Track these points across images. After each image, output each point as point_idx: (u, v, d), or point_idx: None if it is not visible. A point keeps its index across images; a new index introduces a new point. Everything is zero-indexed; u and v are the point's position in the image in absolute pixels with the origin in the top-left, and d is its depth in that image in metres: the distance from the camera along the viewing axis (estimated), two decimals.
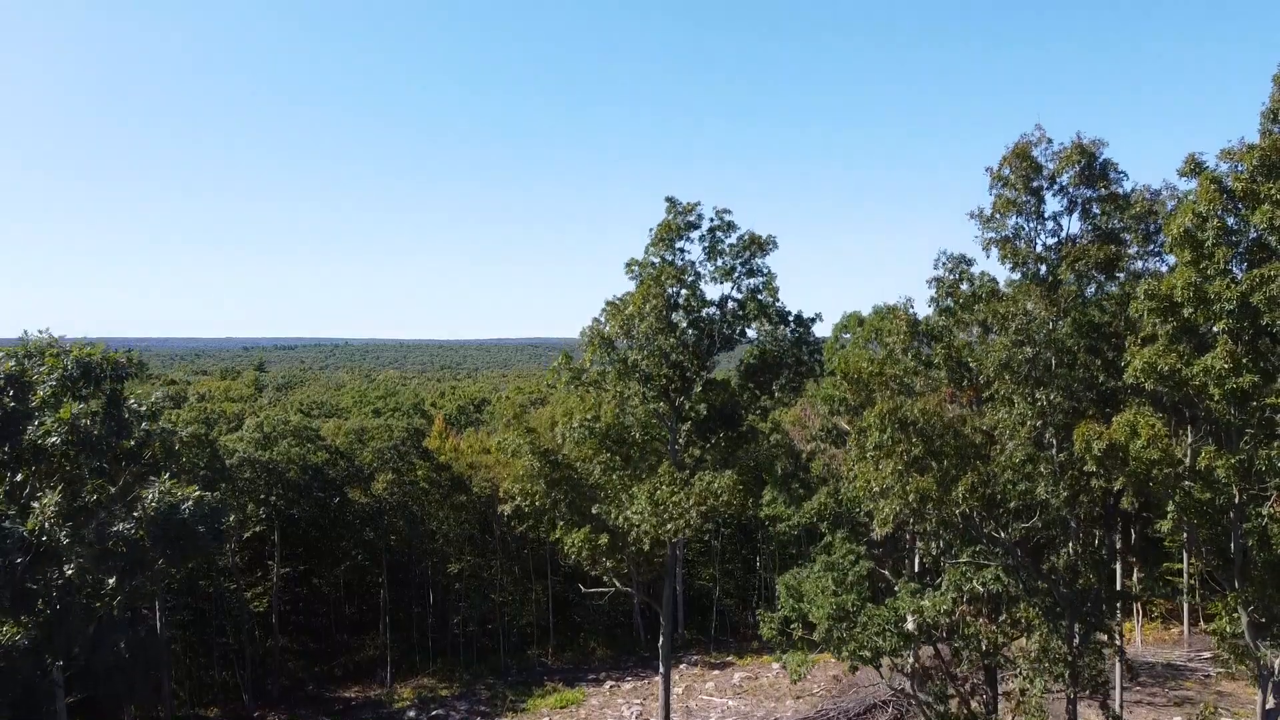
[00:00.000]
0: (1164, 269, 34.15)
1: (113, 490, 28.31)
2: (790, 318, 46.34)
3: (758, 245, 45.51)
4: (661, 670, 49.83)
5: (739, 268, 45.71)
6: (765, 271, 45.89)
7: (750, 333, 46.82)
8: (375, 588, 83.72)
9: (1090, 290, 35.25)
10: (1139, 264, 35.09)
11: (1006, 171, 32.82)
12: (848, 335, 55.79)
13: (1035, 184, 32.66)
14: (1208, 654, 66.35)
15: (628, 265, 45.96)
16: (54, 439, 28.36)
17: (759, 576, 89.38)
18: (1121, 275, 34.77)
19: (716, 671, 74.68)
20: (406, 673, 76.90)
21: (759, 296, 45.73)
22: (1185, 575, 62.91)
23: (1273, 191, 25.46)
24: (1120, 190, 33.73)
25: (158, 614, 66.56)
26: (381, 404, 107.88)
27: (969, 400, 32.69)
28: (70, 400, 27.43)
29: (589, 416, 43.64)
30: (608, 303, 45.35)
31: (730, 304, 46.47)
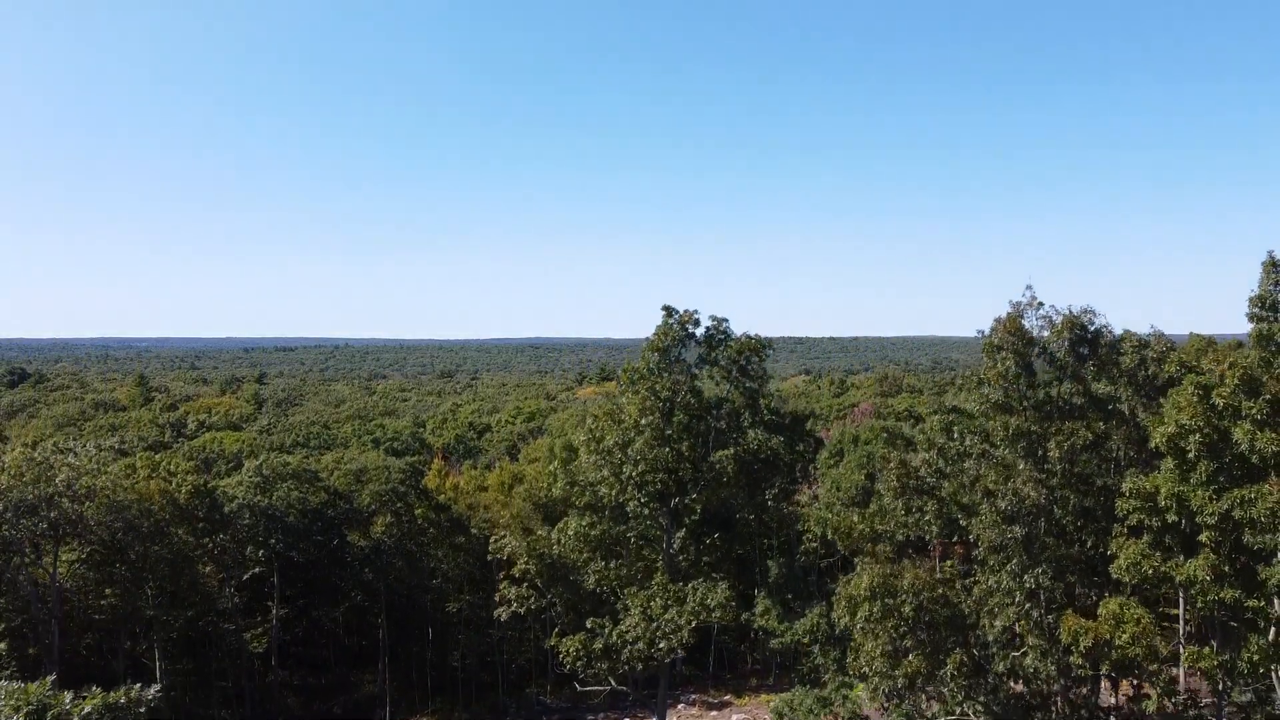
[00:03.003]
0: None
1: None
2: (786, 420, 46.78)
3: (753, 350, 45.86)
4: None
5: (735, 371, 46.08)
6: (761, 375, 46.24)
7: (749, 433, 47.18)
8: (375, 625, 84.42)
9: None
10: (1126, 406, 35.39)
11: (998, 341, 33.12)
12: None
13: (1026, 353, 32.93)
14: (1205, 701, 67.05)
15: (624, 371, 46.32)
16: None
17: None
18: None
19: (714, 713, 75.15)
20: (405, 712, 77.75)
21: (756, 402, 46.12)
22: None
23: (1253, 410, 25.81)
24: (1110, 345, 33.99)
25: (157, 661, 67.67)
26: (380, 431, 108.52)
27: (960, 557, 33.20)
28: None
29: (583, 524, 44.10)
30: (605, 411, 45.72)
31: (726, 407, 46.87)
